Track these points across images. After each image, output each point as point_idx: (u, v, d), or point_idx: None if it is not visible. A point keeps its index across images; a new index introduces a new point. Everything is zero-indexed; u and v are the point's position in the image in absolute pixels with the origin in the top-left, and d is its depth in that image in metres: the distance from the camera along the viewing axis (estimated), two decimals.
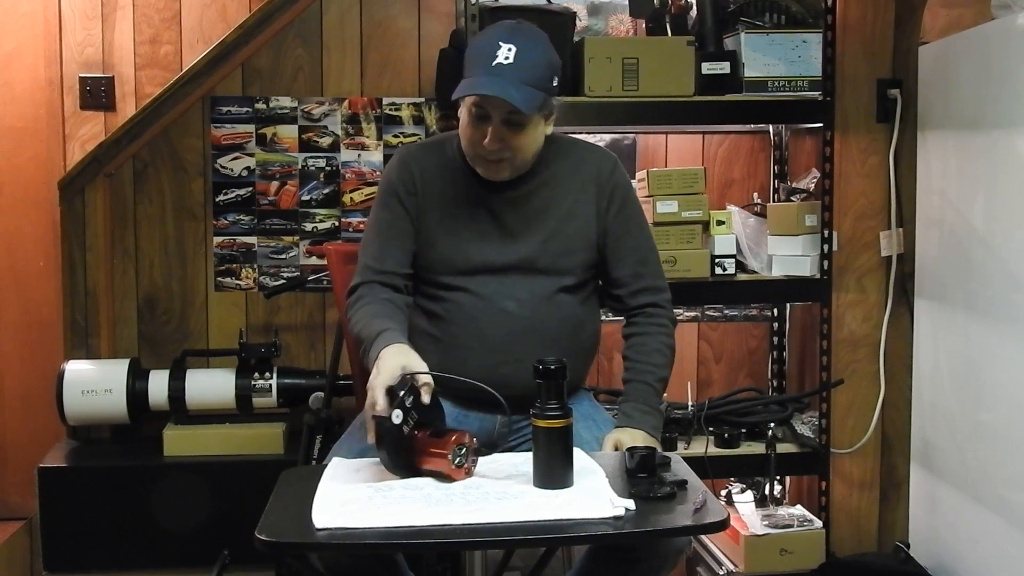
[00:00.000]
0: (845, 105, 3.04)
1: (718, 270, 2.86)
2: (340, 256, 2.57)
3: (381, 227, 2.21)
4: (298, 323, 3.14)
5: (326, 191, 3.14)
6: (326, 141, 3.13)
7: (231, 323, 3.12)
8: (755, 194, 3.22)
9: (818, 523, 2.89)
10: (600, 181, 2.21)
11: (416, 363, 1.88)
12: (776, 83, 2.85)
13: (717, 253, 2.86)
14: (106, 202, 3.04)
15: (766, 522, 2.85)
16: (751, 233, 2.99)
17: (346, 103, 3.13)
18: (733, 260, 2.88)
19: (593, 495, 1.71)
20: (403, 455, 1.81)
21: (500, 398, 1.82)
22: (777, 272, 2.93)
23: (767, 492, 2.96)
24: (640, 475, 1.79)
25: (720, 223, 2.87)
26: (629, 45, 2.88)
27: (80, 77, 2.92)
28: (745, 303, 3.25)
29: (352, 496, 1.73)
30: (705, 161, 3.24)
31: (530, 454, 1.79)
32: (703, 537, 2.97)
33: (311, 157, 3.13)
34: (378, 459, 1.84)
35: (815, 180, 3.04)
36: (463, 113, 2.10)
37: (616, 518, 1.64)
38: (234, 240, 3.13)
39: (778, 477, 3.01)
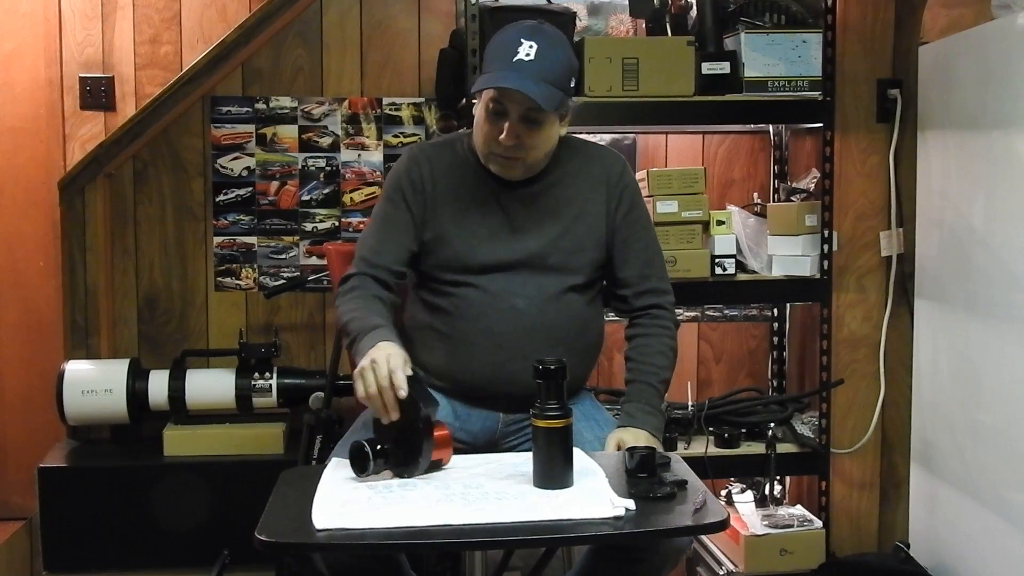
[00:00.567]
0: (845, 105, 3.04)
1: (718, 270, 2.86)
2: (340, 256, 2.57)
3: (382, 222, 2.21)
4: (298, 323, 3.14)
5: (326, 191, 3.14)
6: (326, 141, 3.13)
7: (231, 323, 3.12)
8: (755, 194, 3.22)
9: (818, 523, 2.89)
10: (610, 182, 2.22)
11: (404, 360, 1.88)
12: (776, 83, 2.85)
13: (717, 253, 2.86)
14: (106, 202, 3.04)
15: (766, 522, 2.85)
16: (751, 233, 2.99)
17: (346, 103, 3.13)
18: (733, 260, 2.88)
19: (593, 495, 1.71)
20: (423, 438, 1.81)
21: None
22: (777, 272, 2.93)
23: (767, 492, 2.96)
24: (640, 475, 1.79)
25: (720, 223, 2.87)
26: (629, 45, 2.88)
27: (80, 77, 2.92)
28: (745, 303, 3.25)
29: (352, 496, 1.73)
30: (705, 161, 3.24)
31: (530, 454, 1.79)
32: (703, 537, 2.97)
33: (311, 157, 3.14)
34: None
35: (815, 180, 3.04)
36: (479, 109, 2.11)
37: (616, 518, 1.64)
38: (234, 240, 3.13)
39: (778, 477, 3.01)
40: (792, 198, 3.10)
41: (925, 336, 2.98)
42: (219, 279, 3.14)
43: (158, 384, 2.88)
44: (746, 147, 3.27)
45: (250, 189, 3.13)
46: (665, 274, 2.29)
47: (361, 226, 3.06)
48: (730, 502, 2.93)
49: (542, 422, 1.76)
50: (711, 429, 2.91)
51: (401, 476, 1.82)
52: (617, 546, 1.93)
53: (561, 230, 2.17)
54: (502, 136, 2.06)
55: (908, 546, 2.98)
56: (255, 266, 3.15)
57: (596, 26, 3.19)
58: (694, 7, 2.96)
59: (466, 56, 2.71)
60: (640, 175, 2.92)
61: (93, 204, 3.01)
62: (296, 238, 3.15)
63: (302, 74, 3.11)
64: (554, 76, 2.04)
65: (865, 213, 3.12)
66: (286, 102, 3.12)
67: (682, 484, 1.77)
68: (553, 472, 1.76)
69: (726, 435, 2.89)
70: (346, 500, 1.71)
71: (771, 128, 3.23)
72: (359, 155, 3.15)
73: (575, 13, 2.89)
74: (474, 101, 2.17)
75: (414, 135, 3.13)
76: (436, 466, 1.86)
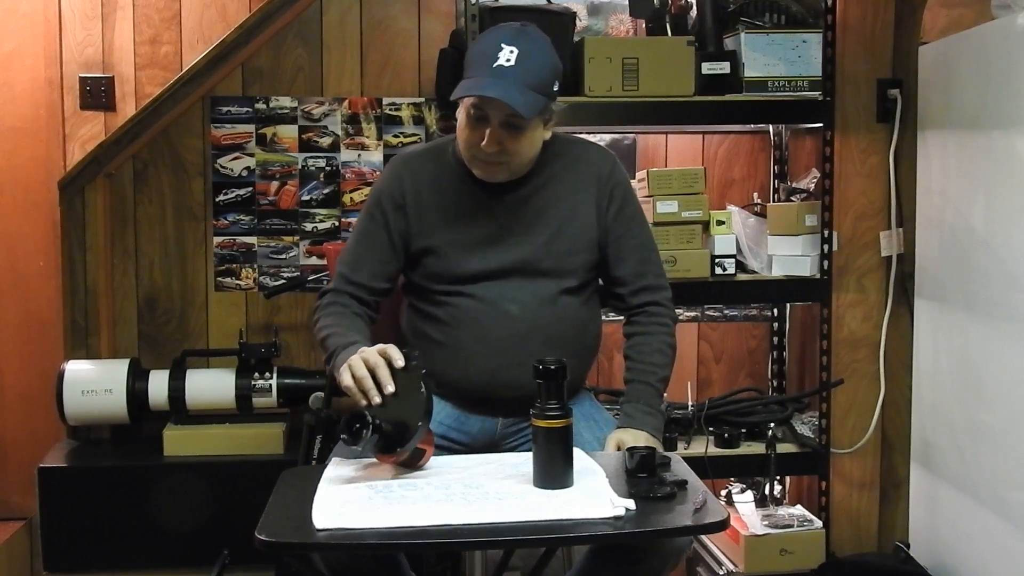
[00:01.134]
0: (845, 105, 3.04)
1: (718, 270, 2.86)
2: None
3: (361, 236, 2.21)
4: (298, 323, 3.14)
5: (326, 191, 3.14)
6: (326, 141, 3.13)
7: (231, 323, 3.12)
8: (755, 194, 3.22)
9: (818, 523, 2.89)
10: (600, 181, 2.21)
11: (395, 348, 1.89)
12: (776, 83, 2.85)
13: (717, 253, 2.86)
14: (106, 202, 3.04)
15: (766, 522, 2.85)
16: (751, 233, 2.99)
17: (346, 103, 3.13)
18: (733, 260, 2.88)
19: (593, 495, 1.71)
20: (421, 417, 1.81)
21: None
22: (777, 272, 2.93)
23: (767, 492, 2.96)
24: (640, 475, 1.79)
25: (720, 223, 2.87)
26: (629, 45, 2.88)
27: (80, 77, 2.92)
28: (745, 303, 3.25)
29: (352, 496, 1.73)
30: (705, 161, 3.24)
31: (530, 454, 1.79)
32: (703, 537, 2.97)
33: (311, 157, 3.13)
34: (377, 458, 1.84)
35: (815, 180, 3.04)
36: (461, 114, 2.09)
37: (616, 518, 1.64)
38: (234, 240, 3.13)
39: (778, 477, 3.01)
40: (792, 198, 3.10)
41: (925, 336, 2.98)
42: (219, 279, 3.14)
43: (158, 384, 2.88)
44: (746, 147, 3.27)
45: (250, 189, 3.13)
46: (661, 270, 2.28)
47: None
48: (730, 502, 2.93)
49: (542, 422, 1.76)
50: (711, 429, 2.91)
51: (390, 452, 1.80)
52: (617, 546, 1.93)
53: (551, 234, 2.16)
54: (484, 142, 2.04)
55: (908, 546, 2.98)
56: (255, 266, 3.15)
57: (596, 26, 3.19)
58: (694, 7, 2.96)
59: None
60: (640, 175, 2.92)
61: (93, 204, 3.01)
62: (296, 238, 3.15)
63: (302, 74, 3.11)
64: (536, 81, 2.02)
65: (865, 213, 3.12)
66: (286, 102, 3.12)
67: (682, 484, 1.77)
68: (553, 472, 1.76)
69: (726, 435, 2.90)
70: (346, 500, 1.71)
71: (771, 128, 3.23)
72: (359, 155, 3.15)
73: (575, 13, 2.89)
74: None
75: (414, 135, 3.13)
76: (419, 456, 1.84)
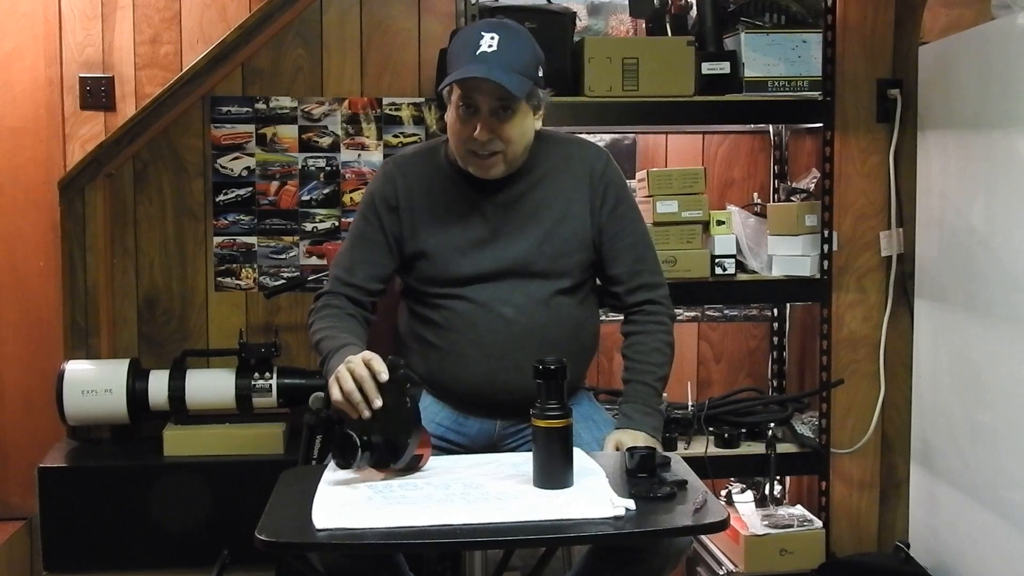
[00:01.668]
0: (845, 105, 3.04)
1: (718, 270, 2.86)
2: None
3: (356, 239, 2.21)
4: (298, 323, 3.14)
5: (326, 191, 3.14)
6: (326, 141, 3.13)
7: (231, 323, 3.12)
8: (755, 194, 3.22)
9: (818, 523, 2.89)
10: (593, 179, 2.19)
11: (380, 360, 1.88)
12: (776, 83, 2.85)
13: (717, 253, 2.86)
14: (106, 202, 3.04)
15: (766, 522, 2.85)
16: (751, 233, 2.99)
17: (346, 103, 3.13)
18: (733, 260, 2.88)
19: (593, 495, 1.71)
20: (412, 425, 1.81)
21: None
22: (777, 272, 2.93)
23: (767, 492, 2.96)
24: (640, 475, 1.79)
25: (720, 223, 2.87)
26: (629, 45, 2.88)
27: (80, 77, 2.92)
28: (745, 303, 3.25)
29: (352, 496, 1.73)
30: (705, 161, 3.24)
31: (530, 454, 1.79)
32: (703, 537, 2.97)
33: (311, 157, 3.13)
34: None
35: (815, 180, 3.04)
36: (450, 111, 2.09)
37: (616, 518, 1.64)
38: (234, 240, 3.13)
39: (778, 477, 3.01)
40: (792, 198, 3.10)
41: (925, 336, 2.98)
42: (219, 279, 3.14)
43: (158, 384, 2.88)
44: (746, 147, 3.27)
45: (250, 189, 3.13)
46: (657, 267, 2.27)
47: None
48: (730, 502, 2.93)
49: (542, 422, 1.76)
50: (711, 429, 2.91)
51: (385, 467, 1.81)
52: (617, 546, 1.93)
53: (544, 235, 2.15)
54: (476, 132, 2.04)
55: (908, 546, 2.97)
56: (255, 266, 3.15)
57: (596, 26, 3.19)
58: (694, 7, 2.96)
59: None
60: (640, 175, 2.93)
61: (93, 204, 3.01)
62: (296, 238, 3.15)
63: (302, 74, 3.11)
64: (520, 65, 2.02)
65: (865, 213, 3.12)
66: (286, 102, 3.12)
67: (682, 484, 1.77)
68: (553, 472, 1.76)
69: (726, 435, 2.89)
70: (346, 500, 1.71)
71: (771, 128, 3.23)
72: (359, 155, 3.15)
73: (575, 13, 2.89)
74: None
75: (414, 135, 3.13)
76: (416, 461, 1.85)
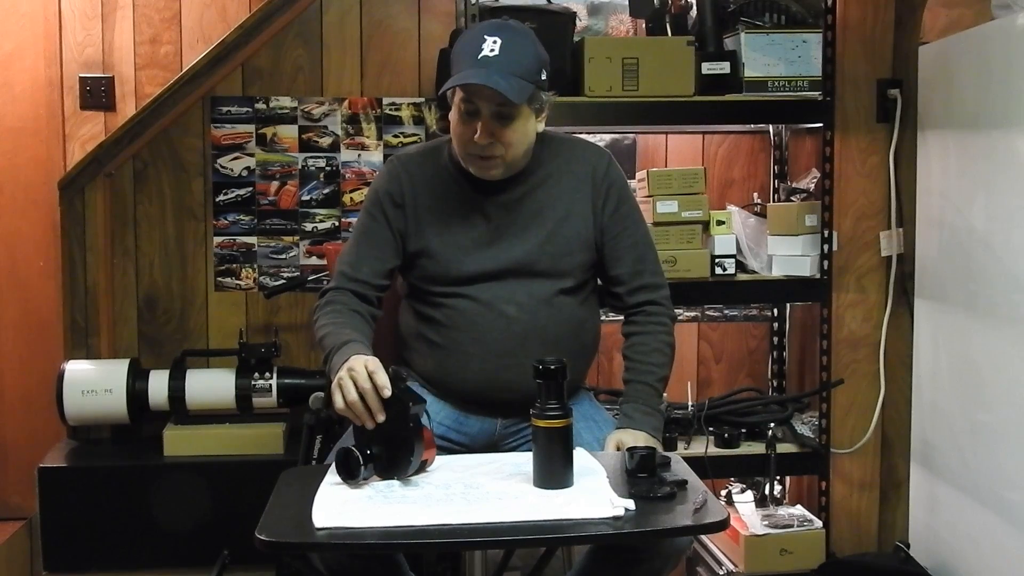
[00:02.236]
0: (845, 105, 3.04)
1: (718, 270, 2.86)
2: None
3: (361, 235, 2.20)
4: (298, 323, 3.14)
5: (326, 191, 3.14)
6: (326, 141, 3.13)
7: (231, 323, 3.12)
8: (755, 194, 3.22)
9: (818, 523, 2.89)
10: (595, 180, 2.20)
11: (381, 367, 1.87)
12: (776, 83, 2.85)
13: (717, 253, 2.86)
14: (106, 202, 3.04)
15: (766, 522, 2.85)
16: (751, 233, 2.99)
17: (346, 103, 3.13)
18: (733, 260, 2.88)
19: (593, 495, 1.71)
20: (414, 438, 1.80)
21: None
22: (777, 272, 2.93)
23: (767, 492, 2.96)
24: (640, 475, 1.79)
25: (720, 223, 2.87)
26: (629, 45, 2.88)
27: (80, 77, 2.92)
28: (745, 303, 3.25)
29: (352, 495, 1.73)
30: (705, 161, 3.24)
31: (530, 454, 1.79)
32: (703, 537, 2.97)
33: (311, 157, 3.13)
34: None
35: (815, 180, 3.04)
36: (452, 112, 2.10)
37: (616, 518, 1.64)
38: (234, 240, 3.13)
39: (778, 477, 3.01)
40: (792, 198, 3.10)
41: (925, 336, 2.98)
42: (219, 279, 3.14)
43: (158, 384, 2.88)
44: (746, 147, 3.27)
45: (250, 189, 3.13)
46: (658, 268, 2.27)
47: None
48: (730, 502, 2.93)
49: (542, 422, 1.76)
50: (711, 429, 2.91)
51: (389, 479, 1.81)
52: (617, 546, 1.93)
53: (547, 235, 2.15)
54: (476, 136, 2.04)
55: (908, 546, 2.98)
56: (255, 266, 3.15)
57: (596, 26, 3.19)
58: (694, 7, 2.96)
59: None
60: (640, 175, 2.92)
61: (93, 204, 3.01)
62: (296, 238, 3.15)
63: (302, 74, 3.11)
64: (522, 69, 2.02)
65: (865, 213, 3.12)
66: (286, 102, 3.12)
67: (682, 484, 1.77)
68: (553, 472, 1.76)
69: (726, 435, 2.89)
70: (346, 499, 1.71)
71: (771, 128, 3.23)
72: (359, 155, 3.15)
73: (575, 13, 2.89)
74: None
75: (414, 135, 3.13)
76: (422, 467, 1.85)
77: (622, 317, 2.28)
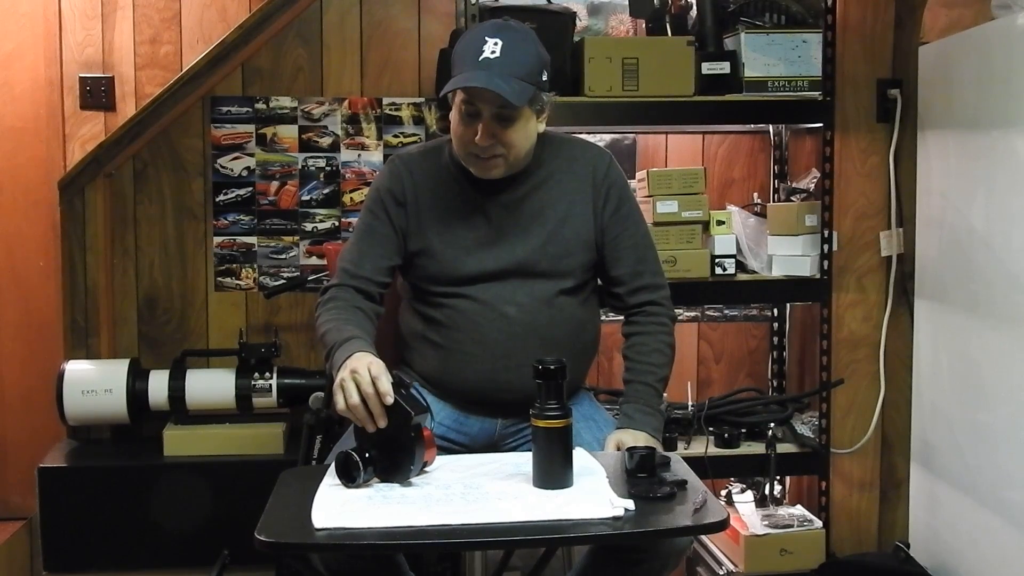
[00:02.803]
0: (845, 105, 3.04)
1: (718, 270, 2.86)
2: None
3: (363, 233, 2.20)
4: (298, 323, 3.14)
5: (326, 191, 3.14)
6: (326, 141, 3.13)
7: (231, 323, 3.12)
8: (755, 194, 3.22)
9: (818, 523, 2.89)
10: (596, 180, 2.20)
11: (384, 368, 1.86)
12: (776, 83, 2.85)
13: (717, 253, 2.86)
14: (106, 202, 3.04)
15: (766, 522, 2.85)
16: (751, 233, 2.99)
17: (346, 103, 3.13)
18: (733, 260, 2.88)
19: (593, 495, 1.71)
20: (415, 445, 1.80)
21: None
22: (777, 272, 2.93)
23: (767, 492, 2.96)
24: (640, 475, 1.79)
25: (720, 223, 2.87)
26: (629, 45, 2.88)
27: (80, 77, 2.92)
28: (745, 303, 3.25)
29: (352, 496, 1.74)
30: (705, 161, 3.24)
31: (530, 454, 1.79)
32: (703, 537, 2.97)
33: (311, 157, 3.13)
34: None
35: (815, 180, 3.04)
36: (453, 113, 2.10)
37: (616, 518, 1.64)
38: (234, 240, 3.13)
39: (778, 477, 3.01)
40: (792, 198, 3.10)
41: (925, 336, 2.98)
42: (219, 279, 3.14)
43: (158, 384, 2.88)
44: (746, 147, 3.27)
45: (250, 189, 3.13)
46: (658, 268, 2.28)
47: None
48: (730, 502, 2.93)
49: (542, 422, 1.76)
50: (711, 429, 2.91)
51: (389, 482, 1.81)
52: (617, 546, 1.93)
53: (548, 235, 2.16)
54: (477, 137, 2.05)
55: (908, 546, 2.98)
56: (255, 266, 3.15)
57: (596, 26, 3.19)
58: (694, 7, 2.96)
59: None
60: (640, 175, 2.92)
61: (93, 204, 3.01)
62: (296, 238, 3.15)
63: (302, 74, 3.11)
64: (523, 71, 2.02)
65: (865, 213, 3.12)
66: (286, 102, 3.12)
67: (682, 484, 1.77)
68: (553, 472, 1.76)
69: (726, 435, 2.89)
70: (346, 500, 1.71)
71: (771, 128, 3.23)
72: (359, 155, 3.15)
73: (575, 13, 2.89)
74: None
75: (414, 135, 3.13)
76: (422, 468, 1.84)
77: (622, 317, 2.28)
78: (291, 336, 3.13)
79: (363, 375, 1.82)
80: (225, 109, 3.10)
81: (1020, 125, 2.46)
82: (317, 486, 1.78)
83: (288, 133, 3.13)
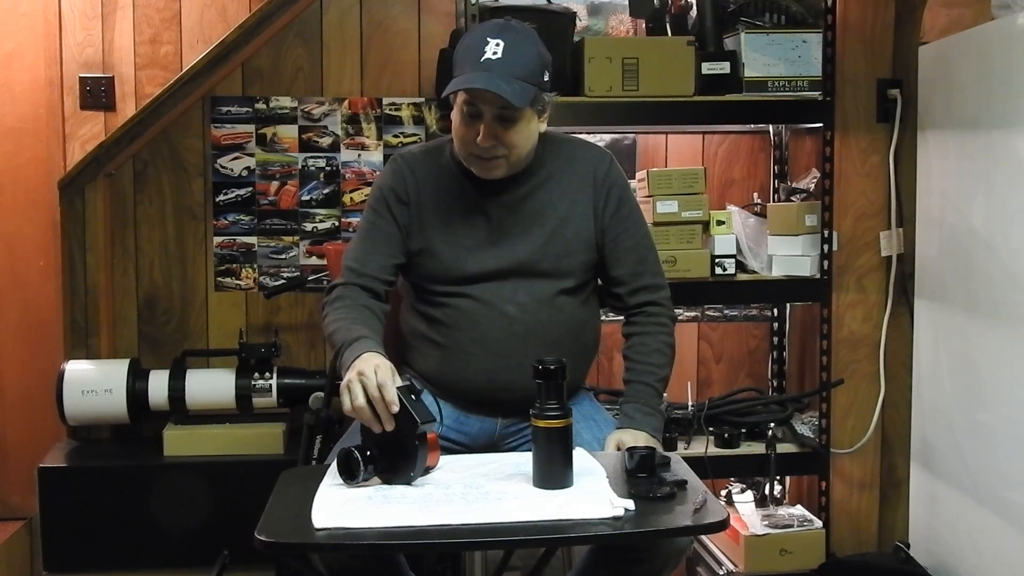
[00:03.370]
0: (845, 105, 3.04)
1: (718, 270, 2.86)
2: (340, 256, 2.55)
3: (367, 231, 2.20)
4: (298, 323, 3.14)
5: (326, 191, 3.14)
6: (326, 141, 3.13)
7: (231, 323, 3.12)
8: (755, 194, 3.22)
9: (818, 523, 2.89)
10: (596, 180, 2.20)
11: (392, 371, 1.86)
12: (776, 83, 2.85)
13: (717, 253, 2.86)
14: (106, 202, 3.04)
15: (766, 522, 2.85)
16: (751, 233, 2.99)
17: (346, 103, 3.13)
18: (733, 260, 2.88)
19: (593, 495, 1.71)
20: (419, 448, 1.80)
21: None
22: (777, 272, 2.93)
23: (767, 492, 2.96)
24: (640, 475, 1.79)
25: (720, 223, 2.87)
26: (629, 45, 2.88)
27: (80, 77, 2.92)
28: (745, 303, 3.25)
29: (352, 496, 1.73)
30: (705, 161, 3.24)
31: (530, 454, 1.79)
32: (703, 537, 2.97)
33: (311, 157, 3.14)
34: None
35: (815, 180, 3.04)
36: (455, 113, 2.10)
37: (616, 518, 1.64)
38: (234, 240, 3.13)
39: (778, 477, 3.01)
40: (792, 198, 3.10)
41: (925, 336, 2.98)
42: (219, 279, 3.14)
43: (158, 384, 2.88)
44: (746, 147, 3.27)
45: (250, 189, 3.13)
46: (659, 268, 2.28)
47: None
48: (730, 502, 2.93)
49: (542, 422, 1.76)
50: (711, 429, 2.91)
51: (391, 483, 1.81)
52: (617, 546, 1.93)
53: (548, 235, 2.16)
54: (479, 138, 2.05)
55: (908, 546, 2.98)
56: (255, 266, 3.15)
57: (596, 26, 3.19)
58: (694, 7, 2.96)
59: None
60: (640, 175, 2.92)
61: (93, 204, 3.01)
62: (296, 238, 3.15)
63: (302, 74, 3.11)
64: (524, 72, 2.02)
65: (865, 213, 3.12)
66: (286, 102, 3.12)
67: (682, 484, 1.77)
68: (553, 472, 1.76)
69: (726, 435, 2.90)
70: (346, 500, 1.71)
71: (771, 128, 3.23)
72: (359, 155, 3.15)
73: (575, 13, 2.89)
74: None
75: (414, 135, 3.13)
76: (426, 471, 1.85)
77: (622, 317, 2.28)
78: (291, 336, 3.13)
79: (370, 378, 1.81)
80: (225, 109, 3.10)
81: (1020, 125, 2.46)
82: (317, 486, 1.78)
83: (288, 133, 3.13)
